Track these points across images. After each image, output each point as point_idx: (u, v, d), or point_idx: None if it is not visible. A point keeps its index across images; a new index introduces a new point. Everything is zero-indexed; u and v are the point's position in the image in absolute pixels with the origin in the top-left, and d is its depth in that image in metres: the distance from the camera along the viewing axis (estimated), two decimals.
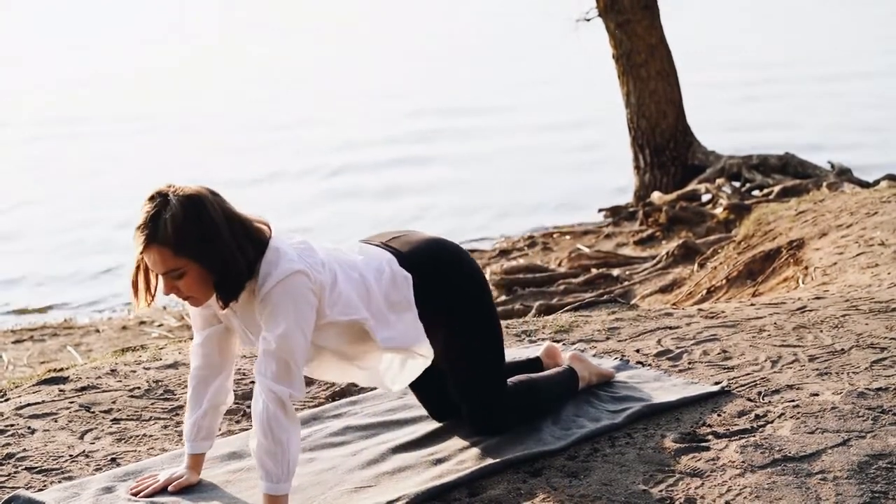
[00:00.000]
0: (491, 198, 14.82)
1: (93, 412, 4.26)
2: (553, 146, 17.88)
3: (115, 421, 4.19)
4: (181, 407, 4.30)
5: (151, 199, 3.24)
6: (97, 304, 11.33)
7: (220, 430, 3.95)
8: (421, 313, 3.55)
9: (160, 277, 3.28)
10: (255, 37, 37.85)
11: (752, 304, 5.62)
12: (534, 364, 4.25)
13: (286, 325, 3.26)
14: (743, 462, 3.53)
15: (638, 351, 4.75)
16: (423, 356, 3.62)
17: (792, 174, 12.62)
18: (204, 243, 3.22)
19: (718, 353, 4.65)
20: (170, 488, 3.51)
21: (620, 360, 4.59)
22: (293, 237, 3.45)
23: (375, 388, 4.29)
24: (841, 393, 4.04)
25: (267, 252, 3.31)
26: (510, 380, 3.91)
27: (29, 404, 4.32)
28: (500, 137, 18.88)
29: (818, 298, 5.56)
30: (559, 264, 10.97)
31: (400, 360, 3.68)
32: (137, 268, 3.34)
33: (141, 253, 3.26)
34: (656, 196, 12.34)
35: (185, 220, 3.21)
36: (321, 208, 14.58)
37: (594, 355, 4.67)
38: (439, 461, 3.62)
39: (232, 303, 3.34)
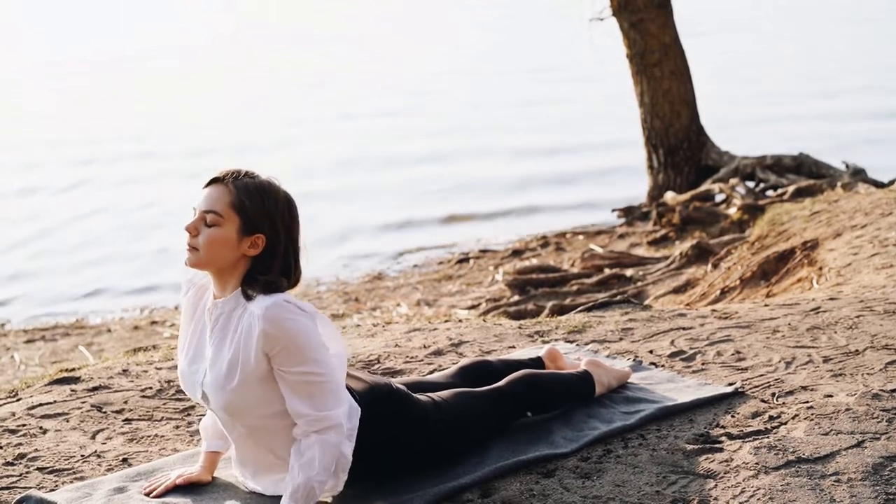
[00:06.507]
0: (503, 197, 14.81)
1: (104, 412, 4.26)
2: (565, 145, 17.85)
3: (127, 421, 4.19)
4: (193, 407, 4.30)
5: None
6: (109, 304, 11.35)
7: None
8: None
9: (195, 213, 3.23)
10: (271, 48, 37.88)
11: (765, 305, 5.60)
12: (535, 364, 4.20)
13: (313, 351, 3.18)
14: (757, 463, 3.52)
15: (651, 352, 4.74)
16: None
17: (806, 174, 12.57)
18: (266, 218, 3.21)
19: (732, 354, 4.63)
20: (178, 480, 3.49)
21: (634, 360, 4.57)
22: None
23: None
24: (855, 394, 4.02)
25: (281, 294, 3.22)
26: (513, 376, 3.87)
27: (41, 404, 4.33)
28: (512, 137, 18.86)
29: (832, 299, 5.53)
30: (572, 265, 10.96)
31: None
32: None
33: (206, 186, 3.25)
34: (670, 196, 12.31)
35: (266, 191, 3.23)
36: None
37: (607, 356, 4.65)
38: (452, 462, 3.61)
39: (220, 307, 3.25)
